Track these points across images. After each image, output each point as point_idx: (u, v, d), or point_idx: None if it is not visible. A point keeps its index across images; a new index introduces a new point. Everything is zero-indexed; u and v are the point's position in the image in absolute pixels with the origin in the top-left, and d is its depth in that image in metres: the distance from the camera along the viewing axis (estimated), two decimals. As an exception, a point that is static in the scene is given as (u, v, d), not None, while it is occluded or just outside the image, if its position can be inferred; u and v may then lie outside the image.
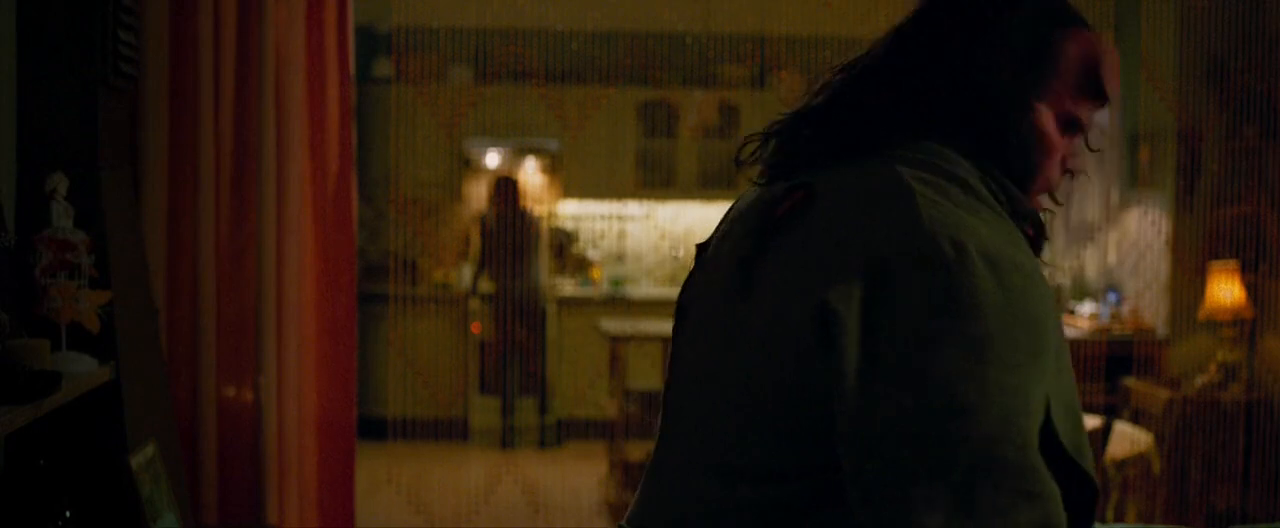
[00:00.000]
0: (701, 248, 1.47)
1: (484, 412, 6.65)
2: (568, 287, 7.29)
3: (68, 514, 2.43)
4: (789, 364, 1.22)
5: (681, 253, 7.47)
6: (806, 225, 1.26)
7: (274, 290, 3.39)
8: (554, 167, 7.57)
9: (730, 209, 1.45)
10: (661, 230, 7.44)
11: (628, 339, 6.25)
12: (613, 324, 6.43)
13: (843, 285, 1.19)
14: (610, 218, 7.43)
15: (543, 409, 6.81)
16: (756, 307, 1.27)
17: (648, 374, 6.12)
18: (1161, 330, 5.73)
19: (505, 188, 6.82)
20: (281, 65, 3.37)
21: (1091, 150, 1.41)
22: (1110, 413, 5.17)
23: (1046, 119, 1.34)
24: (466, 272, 7.11)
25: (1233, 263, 4.96)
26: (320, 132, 3.51)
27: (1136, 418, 5.17)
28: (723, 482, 1.26)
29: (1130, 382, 5.39)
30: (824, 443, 1.20)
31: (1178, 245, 5.45)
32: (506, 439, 6.59)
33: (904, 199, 1.24)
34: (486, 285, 6.58)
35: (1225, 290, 4.94)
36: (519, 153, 7.60)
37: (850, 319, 1.18)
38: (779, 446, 1.24)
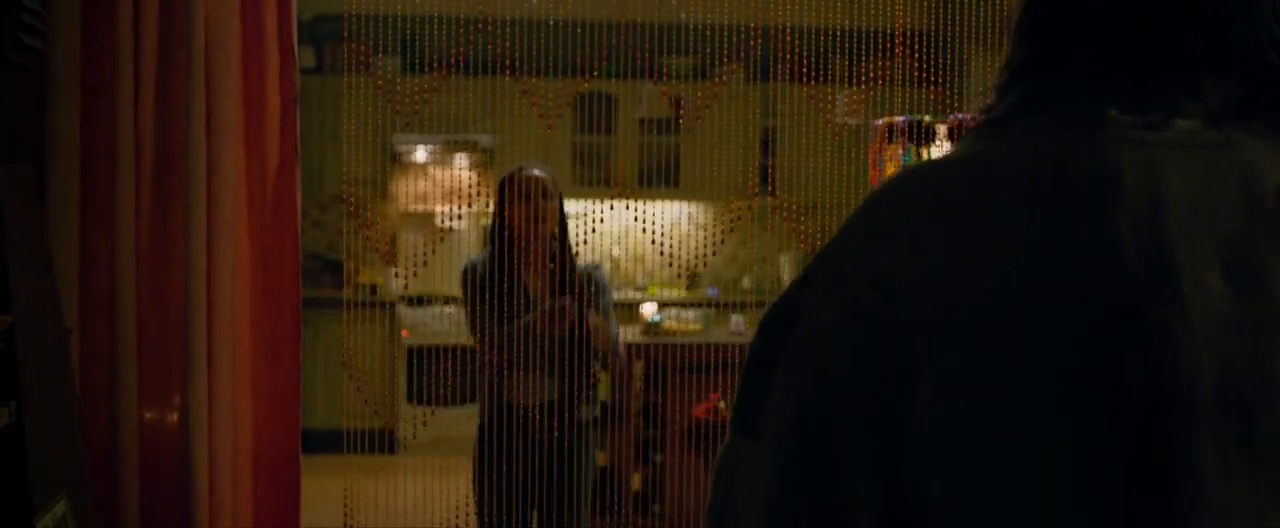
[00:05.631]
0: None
1: (413, 423, 6.39)
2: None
3: (-35, 583, 2.04)
4: None
5: (617, 252, 7.25)
6: None
7: (204, 302, 3.13)
8: (485, 162, 7.35)
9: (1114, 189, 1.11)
10: (597, 230, 7.19)
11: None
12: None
13: None
14: (544, 216, 7.15)
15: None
16: None
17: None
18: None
19: (520, 186, 4.26)
20: (212, 44, 3.10)
21: None
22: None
23: None
24: (394, 277, 6.77)
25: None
26: (258, 121, 3.19)
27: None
28: None
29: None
30: None
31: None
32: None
33: None
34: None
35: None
36: (449, 148, 7.38)
37: None
38: None
